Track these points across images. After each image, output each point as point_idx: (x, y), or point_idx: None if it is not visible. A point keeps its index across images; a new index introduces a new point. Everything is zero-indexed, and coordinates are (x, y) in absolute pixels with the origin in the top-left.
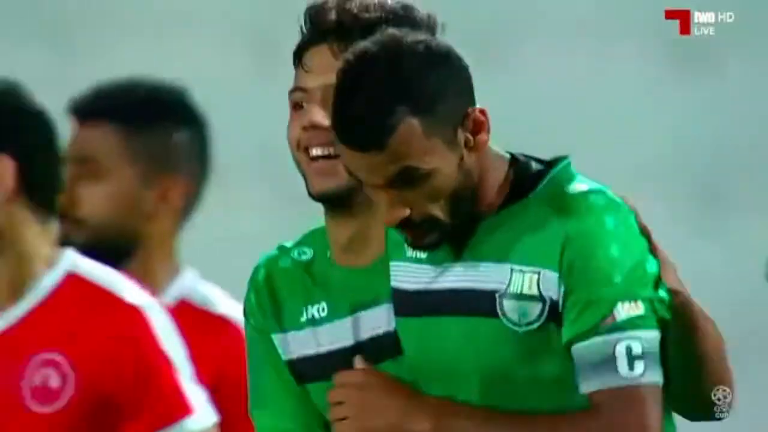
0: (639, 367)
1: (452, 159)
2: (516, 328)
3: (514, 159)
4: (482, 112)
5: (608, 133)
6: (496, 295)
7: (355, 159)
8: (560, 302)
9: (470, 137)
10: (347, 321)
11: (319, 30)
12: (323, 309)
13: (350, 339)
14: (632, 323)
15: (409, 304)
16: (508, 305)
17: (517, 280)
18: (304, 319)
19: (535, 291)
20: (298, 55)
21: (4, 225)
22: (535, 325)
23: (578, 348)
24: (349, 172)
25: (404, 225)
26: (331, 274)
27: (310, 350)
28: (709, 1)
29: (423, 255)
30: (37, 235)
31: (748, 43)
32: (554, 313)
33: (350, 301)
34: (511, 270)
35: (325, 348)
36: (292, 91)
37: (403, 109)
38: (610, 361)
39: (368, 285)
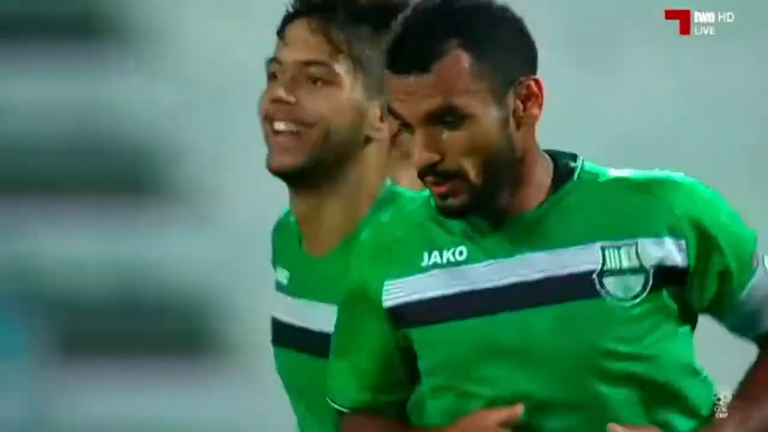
0: None
1: (496, 115)
2: (623, 304)
3: (553, 157)
4: (538, 84)
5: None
6: (593, 276)
7: (399, 86)
8: (679, 265)
9: (520, 104)
10: (304, 302)
11: (304, 4)
12: (286, 277)
13: (303, 322)
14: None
15: (458, 307)
16: (609, 282)
17: (613, 256)
18: (278, 280)
19: (635, 263)
20: (282, 26)
21: None
22: (642, 297)
23: (751, 289)
24: (392, 112)
25: (433, 174)
26: (298, 252)
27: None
28: (709, 1)
29: (461, 257)
30: None
31: (748, 43)
32: (661, 281)
33: (308, 285)
34: (602, 248)
35: (291, 320)
36: (269, 61)
37: (455, 40)
38: None
39: (319, 277)
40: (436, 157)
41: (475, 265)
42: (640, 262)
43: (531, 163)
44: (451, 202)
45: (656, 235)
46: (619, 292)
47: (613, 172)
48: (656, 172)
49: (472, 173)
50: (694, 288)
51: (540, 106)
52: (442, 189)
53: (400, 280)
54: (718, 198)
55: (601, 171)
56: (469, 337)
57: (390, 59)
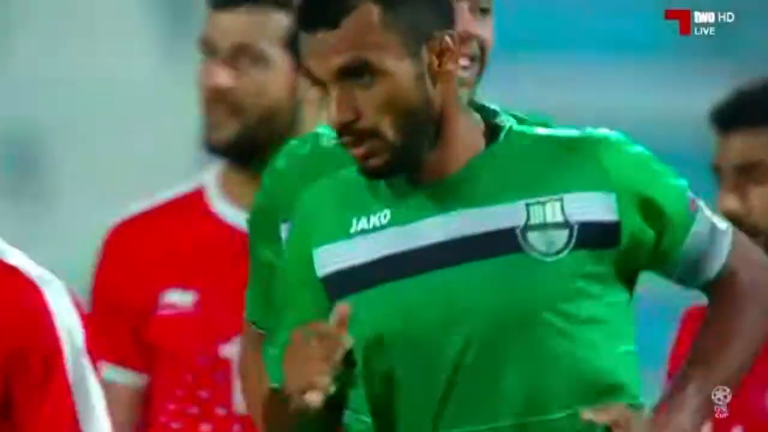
0: (719, 218)
1: (409, 70)
2: (544, 258)
3: (484, 111)
4: (453, 39)
5: None
6: (516, 231)
7: (311, 45)
8: (606, 221)
9: (435, 59)
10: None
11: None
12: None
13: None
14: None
15: (378, 273)
16: (533, 237)
17: (537, 212)
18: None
19: (559, 218)
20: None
21: None
22: (565, 253)
23: (693, 236)
24: (307, 71)
25: (349, 134)
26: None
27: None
28: (709, 1)
29: (385, 221)
30: None
31: (748, 43)
32: (588, 237)
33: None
34: (526, 205)
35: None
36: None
37: None
38: (713, 227)
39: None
40: (351, 117)
41: (396, 228)
42: (564, 217)
43: (453, 120)
44: (371, 162)
45: (582, 189)
46: (542, 246)
47: (541, 131)
48: (584, 130)
49: (390, 132)
50: (630, 244)
51: (456, 60)
52: (361, 150)
53: (327, 247)
54: (647, 153)
55: (530, 130)
56: (385, 303)
57: (301, 17)
